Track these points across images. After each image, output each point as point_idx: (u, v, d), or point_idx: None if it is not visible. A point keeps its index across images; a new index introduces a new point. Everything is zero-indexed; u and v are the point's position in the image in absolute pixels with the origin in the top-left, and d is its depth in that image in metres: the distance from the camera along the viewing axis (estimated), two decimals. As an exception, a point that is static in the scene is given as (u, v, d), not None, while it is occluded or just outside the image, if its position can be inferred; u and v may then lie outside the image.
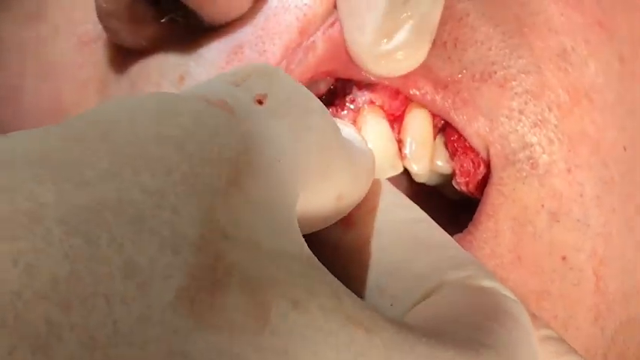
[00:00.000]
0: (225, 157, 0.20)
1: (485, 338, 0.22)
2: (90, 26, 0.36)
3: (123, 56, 0.36)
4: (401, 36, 0.31)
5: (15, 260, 0.17)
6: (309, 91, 0.25)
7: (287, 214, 0.22)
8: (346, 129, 0.29)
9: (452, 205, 0.37)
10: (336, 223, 0.28)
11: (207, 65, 0.33)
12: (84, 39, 0.37)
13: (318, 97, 0.30)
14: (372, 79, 0.33)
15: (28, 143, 0.19)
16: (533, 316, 0.26)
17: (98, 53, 0.37)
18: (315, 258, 0.21)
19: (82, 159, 0.19)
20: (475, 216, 0.33)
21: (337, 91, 0.35)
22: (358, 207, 0.28)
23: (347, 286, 0.25)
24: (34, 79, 0.38)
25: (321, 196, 0.25)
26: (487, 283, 0.25)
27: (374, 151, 0.33)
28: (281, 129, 0.23)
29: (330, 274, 0.21)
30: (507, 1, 0.33)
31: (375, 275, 0.27)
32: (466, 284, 0.25)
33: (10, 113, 0.38)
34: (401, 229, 0.28)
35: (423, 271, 0.26)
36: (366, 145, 0.29)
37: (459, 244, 0.32)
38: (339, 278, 0.25)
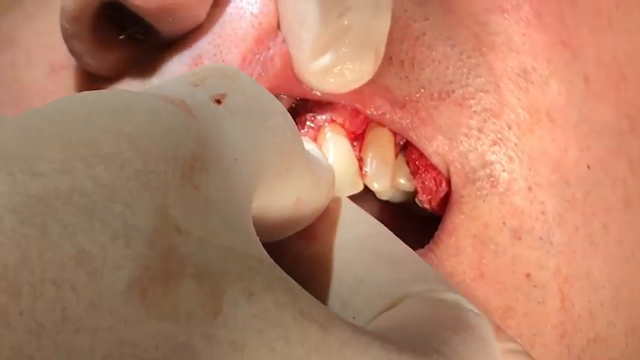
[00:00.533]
0: (180, 155, 0.20)
1: (441, 346, 0.22)
2: (62, 52, 0.36)
3: (91, 83, 0.36)
4: (339, 50, 0.31)
5: None
6: (269, 93, 0.25)
7: (242, 213, 0.22)
8: (307, 144, 0.29)
9: (419, 221, 0.37)
10: (297, 237, 0.28)
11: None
12: (55, 65, 0.37)
13: None
14: (325, 97, 0.33)
15: None
16: (498, 329, 0.26)
17: (69, 80, 0.36)
18: (271, 259, 0.21)
19: (36, 152, 0.19)
20: (436, 234, 0.33)
21: (298, 109, 0.34)
22: (319, 221, 0.28)
23: None
24: (8, 106, 0.38)
25: (280, 197, 0.25)
26: (449, 296, 0.25)
27: (335, 169, 0.32)
28: (239, 128, 0.23)
29: (285, 273, 0.21)
30: (466, 20, 0.33)
31: (337, 289, 0.27)
32: (427, 297, 0.25)
33: None
34: (363, 243, 0.28)
35: (385, 284, 0.26)
36: (327, 160, 0.29)
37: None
38: None
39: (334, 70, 0.31)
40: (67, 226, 0.18)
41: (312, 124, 0.35)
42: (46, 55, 0.37)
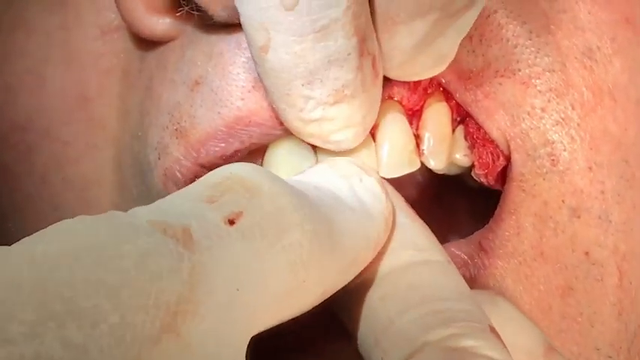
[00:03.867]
0: (163, 301, 0.20)
1: None
2: (112, 14, 0.36)
3: (143, 47, 0.36)
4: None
5: None
6: (293, 203, 0.25)
7: (234, 352, 0.22)
8: (365, 181, 0.29)
9: (472, 192, 0.37)
10: None
11: (222, 71, 0.32)
12: (106, 28, 0.37)
13: None
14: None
15: None
16: (550, 349, 0.27)
17: (120, 43, 0.36)
18: None
19: (11, 311, 0.19)
20: (496, 212, 0.33)
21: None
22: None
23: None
24: (57, 66, 0.37)
25: (298, 300, 0.25)
26: (470, 342, 0.25)
27: (392, 148, 0.32)
28: (248, 252, 0.23)
29: None
30: None
31: (372, 324, 0.27)
32: (446, 346, 0.25)
33: (34, 102, 0.37)
34: (403, 274, 0.28)
35: (410, 328, 0.26)
36: (382, 198, 0.29)
37: (480, 240, 0.32)
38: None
39: None
40: None
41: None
42: (96, 17, 0.37)
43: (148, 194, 0.35)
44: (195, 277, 0.21)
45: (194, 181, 0.26)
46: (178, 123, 0.33)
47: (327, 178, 0.29)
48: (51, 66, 0.38)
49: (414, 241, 0.29)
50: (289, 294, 0.24)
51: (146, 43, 0.35)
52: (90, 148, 0.37)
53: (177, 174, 0.33)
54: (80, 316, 0.19)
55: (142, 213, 0.23)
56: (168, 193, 0.25)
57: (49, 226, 0.21)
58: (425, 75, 0.32)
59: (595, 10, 0.33)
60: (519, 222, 0.32)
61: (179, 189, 0.26)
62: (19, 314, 0.19)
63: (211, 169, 0.26)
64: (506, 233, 0.32)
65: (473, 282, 0.32)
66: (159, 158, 0.34)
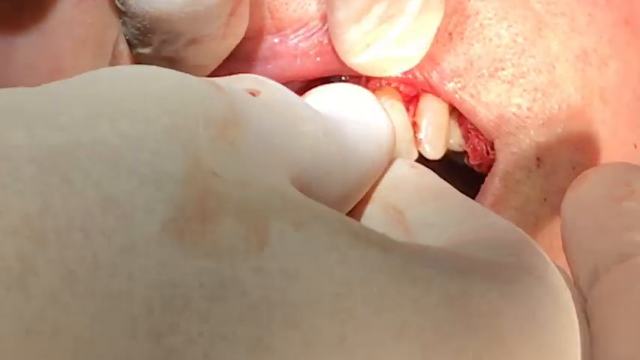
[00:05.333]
0: (211, 116, 0.19)
1: (516, 254, 0.21)
2: None
3: (119, 15, 0.33)
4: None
5: None
6: (303, 102, 0.24)
7: (282, 171, 0.21)
8: (360, 98, 0.28)
9: (464, 172, 0.37)
10: None
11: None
12: None
13: None
14: None
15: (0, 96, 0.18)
16: None
17: (96, 11, 0.34)
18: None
19: (57, 108, 0.18)
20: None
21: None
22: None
23: None
24: (30, 34, 0.35)
25: (323, 194, 0.24)
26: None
27: None
28: (274, 120, 0.22)
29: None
30: (530, 0, 0.32)
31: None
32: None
33: (2, 73, 0.35)
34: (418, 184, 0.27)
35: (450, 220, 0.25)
36: (383, 115, 0.28)
37: None
38: None
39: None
40: (91, 175, 0.17)
41: (366, 85, 0.33)
42: None
43: None
44: (236, 111, 0.20)
45: None
46: None
47: (323, 99, 0.28)
48: (22, 34, 0.35)
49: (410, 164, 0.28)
50: (315, 183, 0.23)
51: (122, 12, 0.33)
52: None
53: None
54: (131, 115, 0.18)
55: None
56: None
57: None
58: (393, 70, 0.31)
59: (595, 11, 0.32)
60: (500, 215, 0.32)
61: None
62: (67, 111, 0.18)
63: None
64: None
65: None
66: None
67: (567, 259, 0.26)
